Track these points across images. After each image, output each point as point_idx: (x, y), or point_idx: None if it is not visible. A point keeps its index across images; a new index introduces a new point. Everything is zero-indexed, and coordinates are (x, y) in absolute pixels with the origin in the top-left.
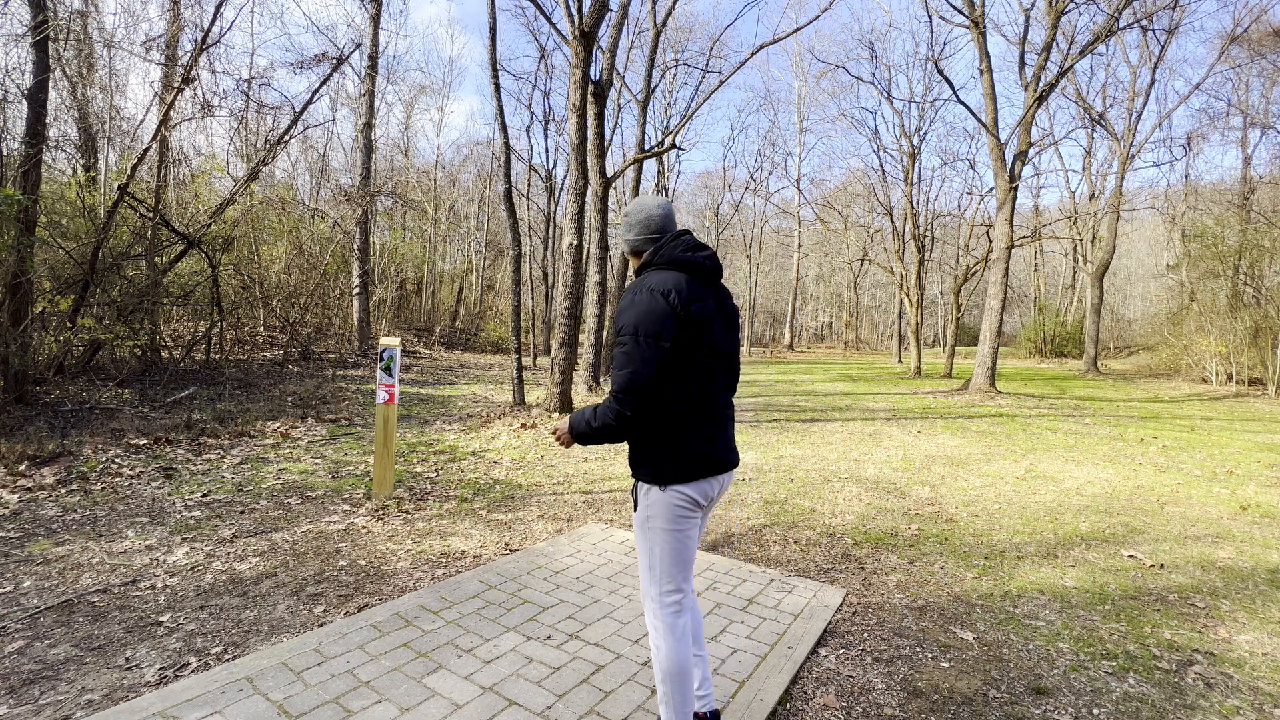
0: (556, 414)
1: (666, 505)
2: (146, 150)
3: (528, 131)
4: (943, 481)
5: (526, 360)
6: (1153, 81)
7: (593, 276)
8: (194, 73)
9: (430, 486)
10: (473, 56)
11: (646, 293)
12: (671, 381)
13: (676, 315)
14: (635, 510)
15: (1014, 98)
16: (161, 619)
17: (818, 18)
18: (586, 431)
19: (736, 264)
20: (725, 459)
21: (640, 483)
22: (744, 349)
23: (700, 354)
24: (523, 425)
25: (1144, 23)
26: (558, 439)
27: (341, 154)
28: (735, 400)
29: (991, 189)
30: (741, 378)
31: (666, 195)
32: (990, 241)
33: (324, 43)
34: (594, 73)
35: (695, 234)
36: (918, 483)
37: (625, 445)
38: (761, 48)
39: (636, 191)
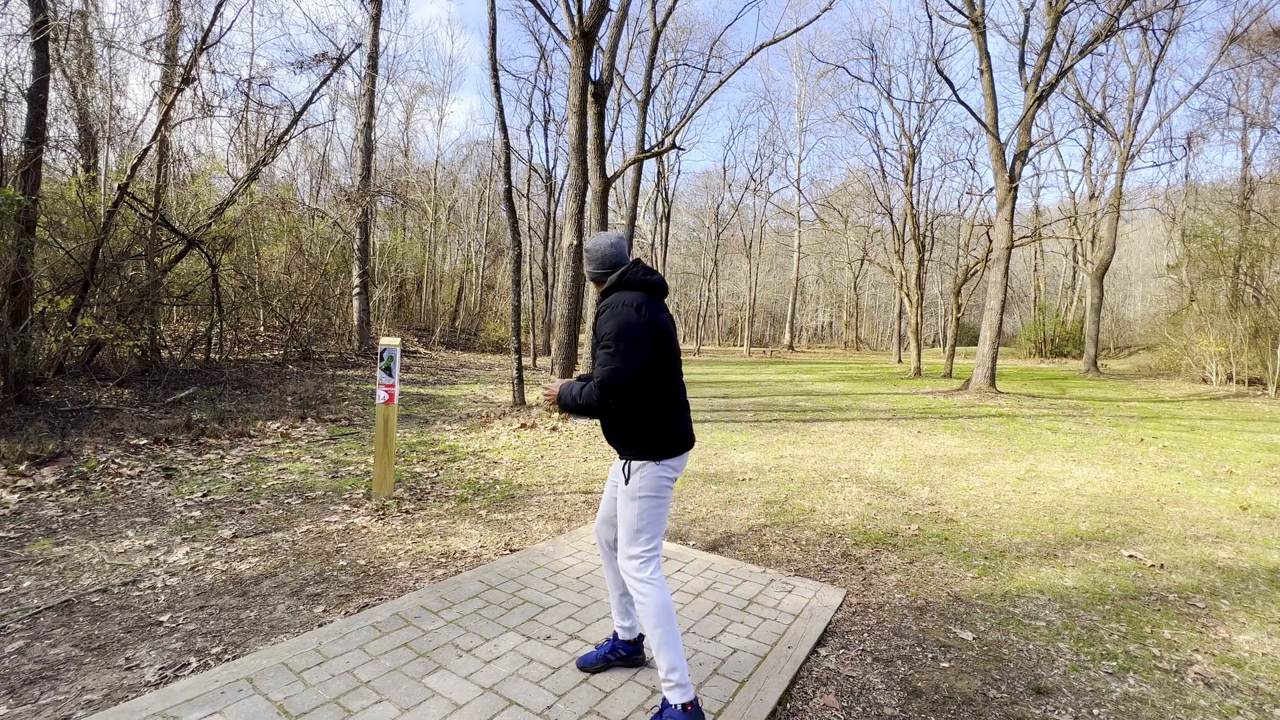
0: (557, 414)
1: (657, 477)
2: (146, 150)
3: (528, 131)
4: (943, 481)
5: (526, 360)
6: (1153, 81)
7: None
8: (194, 73)
9: (430, 486)
10: (473, 56)
11: (622, 306)
12: (649, 379)
13: (646, 324)
14: (625, 484)
15: (1014, 98)
16: (161, 619)
17: (818, 18)
18: (570, 404)
19: (736, 264)
20: (692, 436)
21: (633, 461)
22: (744, 349)
23: (668, 355)
24: (523, 425)
25: (1144, 23)
26: (547, 397)
27: (341, 154)
28: (735, 401)
29: (991, 189)
30: (742, 378)
31: (666, 196)
32: (990, 241)
33: (324, 43)
34: (594, 73)
35: (695, 234)
36: (918, 483)
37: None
38: (761, 48)
39: (636, 191)
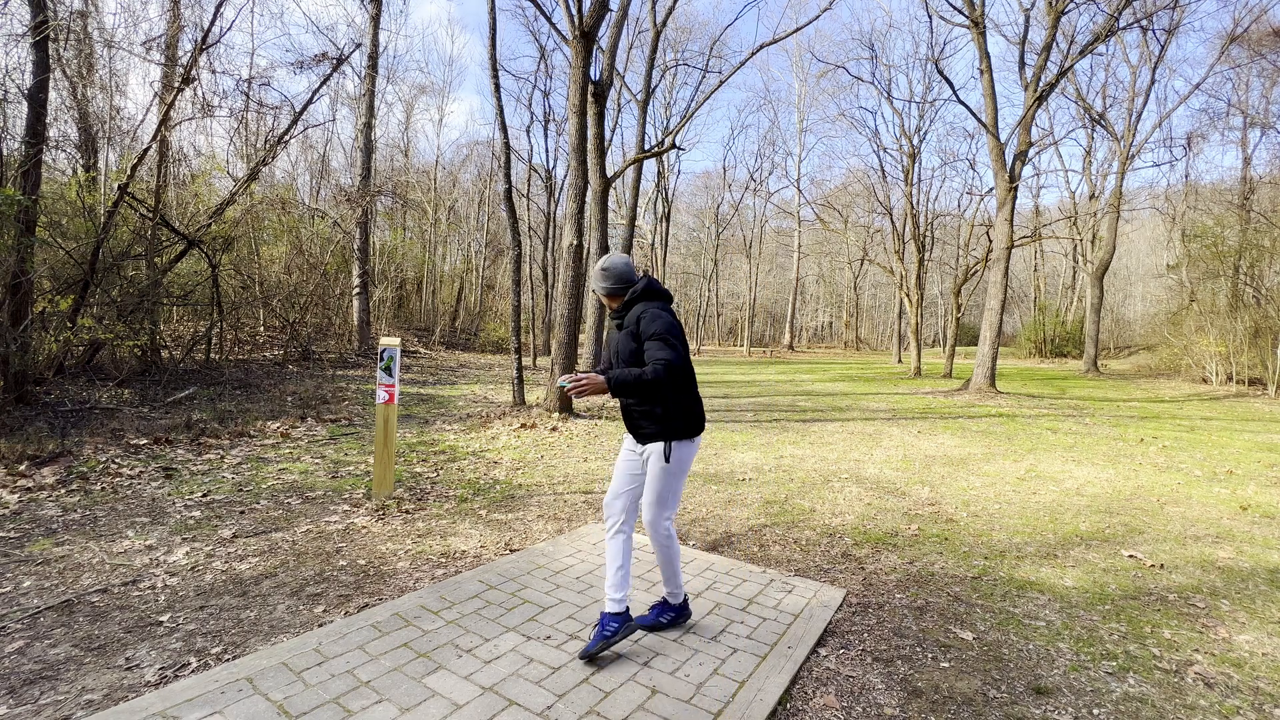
0: (557, 414)
1: (689, 452)
2: (146, 150)
3: (528, 131)
4: (943, 481)
5: (526, 360)
6: (1153, 81)
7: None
8: (194, 73)
9: (430, 486)
10: (473, 56)
11: (659, 310)
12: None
13: (678, 324)
14: (667, 462)
15: (1014, 98)
16: (161, 619)
17: (818, 18)
18: (631, 382)
19: (736, 264)
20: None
21: (673, 442)
22: (744, 348)
23: (687, 349)
24: (523, 425)
25: (1144, 23)
26: (581, 388)
27: (341, 154)
28: (736, 401)
29: (991, 189)
30: (742, 378)
31: (666, 196)
32: (990, 241)
33: (324, 43)
34: (594, 73)
35: (695, 233)
36: (918, 483)
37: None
38: (761, 48)
39: (636, 191)
